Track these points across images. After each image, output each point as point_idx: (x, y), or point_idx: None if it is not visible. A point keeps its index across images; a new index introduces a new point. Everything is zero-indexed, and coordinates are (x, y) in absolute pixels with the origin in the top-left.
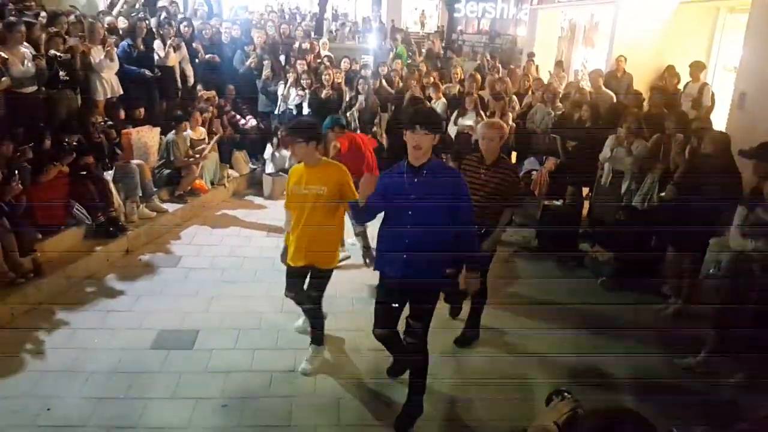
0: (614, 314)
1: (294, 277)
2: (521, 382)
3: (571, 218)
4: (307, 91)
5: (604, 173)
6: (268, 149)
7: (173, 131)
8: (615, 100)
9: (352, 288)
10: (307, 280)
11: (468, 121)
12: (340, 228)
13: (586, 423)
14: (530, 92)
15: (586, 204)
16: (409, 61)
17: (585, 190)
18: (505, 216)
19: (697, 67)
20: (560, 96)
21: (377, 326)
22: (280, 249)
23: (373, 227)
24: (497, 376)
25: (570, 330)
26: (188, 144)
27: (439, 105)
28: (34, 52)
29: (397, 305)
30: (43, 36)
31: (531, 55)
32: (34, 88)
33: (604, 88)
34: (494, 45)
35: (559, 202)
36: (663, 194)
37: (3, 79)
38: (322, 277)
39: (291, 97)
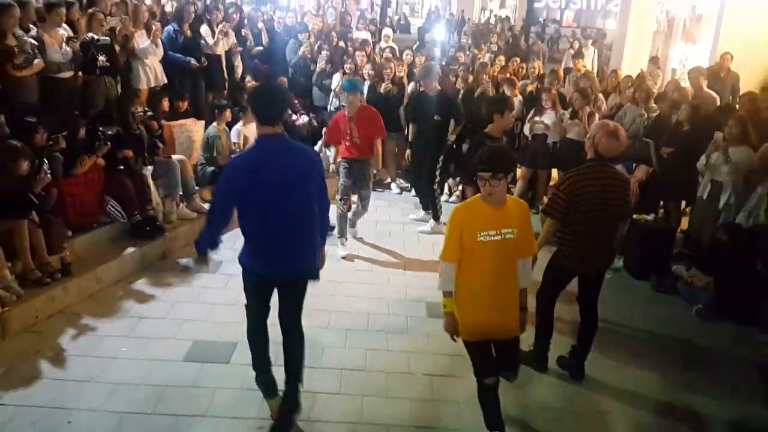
0: (711, 348)
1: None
2: (599, 423)
3: (664, 236)
4: (367, 83)
5: (701, 184)
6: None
7: (214, 123)
8: (718, 103)
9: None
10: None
11: (546, 120)
12: None
13: None
14: (618, 91)
15: (685, 221)
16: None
17: (683, 204)
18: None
19: None
20: (654, 96)
21: None
22: (443, 317)
23: None
24: (573, 416)
25: (658, 365)
26: (239, 139)
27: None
28: (70, 34)
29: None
30: (83, 19)
31: (578, 53)
32: (71, 73)
33: (706, 88)
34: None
35: (650, 217)
36: None
37: (36, 61)
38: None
39: None
